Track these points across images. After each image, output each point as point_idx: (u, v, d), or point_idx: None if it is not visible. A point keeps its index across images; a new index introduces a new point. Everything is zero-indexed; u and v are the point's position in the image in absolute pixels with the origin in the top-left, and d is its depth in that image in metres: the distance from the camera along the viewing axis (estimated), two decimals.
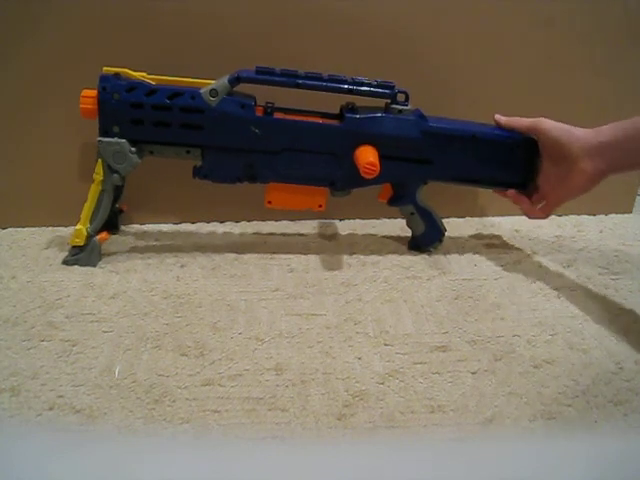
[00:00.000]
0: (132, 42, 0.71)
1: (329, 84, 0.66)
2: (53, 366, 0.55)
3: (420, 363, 0.58)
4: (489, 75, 0.79)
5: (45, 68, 0.72)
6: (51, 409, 0.51)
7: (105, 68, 0.66)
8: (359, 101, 0.69)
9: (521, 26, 0.76)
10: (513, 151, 0.71)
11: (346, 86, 0.66)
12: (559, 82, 0.80)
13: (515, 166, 0.72)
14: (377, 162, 0.66)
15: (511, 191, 0.72)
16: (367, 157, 0.66)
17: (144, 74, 0.66)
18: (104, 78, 0.65)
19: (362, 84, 0.67)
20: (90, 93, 0.66)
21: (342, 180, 0.71)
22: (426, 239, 0.77)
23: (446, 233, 0.77)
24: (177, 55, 0.72)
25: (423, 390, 0.54)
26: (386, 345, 0.60)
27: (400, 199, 0.74)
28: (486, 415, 0.52)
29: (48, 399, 0.52)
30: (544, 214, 0.71)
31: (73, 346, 0.58)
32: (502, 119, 0.71)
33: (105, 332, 0.60)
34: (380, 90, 0.68)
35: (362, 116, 0.68)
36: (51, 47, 0.71)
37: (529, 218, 0.73)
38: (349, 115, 0.68)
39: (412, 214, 0.75)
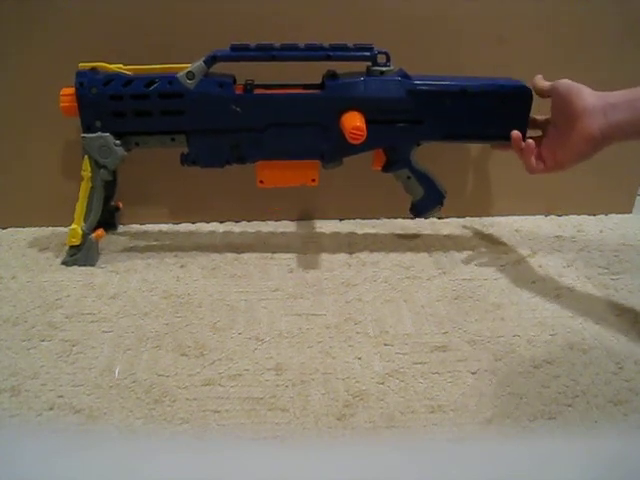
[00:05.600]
0: (131, 42, 0.71)
1: (305, 52, 0.65)
2: (53, 366, 0.55)
3: (420, 363, 0.58)
4: (489, 75, 0.79)
5: (43, 68, 0.72)
6: (51, 409, 0.51)
7: (81, 64, 0.65)
8: (341, 68, 0.67)
9: (523, 26, 0.76)
10: (505, 102, 0.68)
11: (323, 52, 0.65)
12: None
13: (509, 117, 0.69)
14: (363, 126, 0.64)
15: (516, 133, 0.67)
16: (353, 122, 0.65)
17: (120, 65, 0.66)
18: (80, 74, 0.65)
19: (340, 49, 0.65)
20: (68, 91, 0.65)
21: (331, 150, 0.69)
22: (426, 203, 0.74)
23: (445, 232, 0.77)
24: (177, 54, 0.72)
25: (423, 390, 0.54)
26: (386, 345, 0.60)
27: (394, 164, 0.72)
28: (486, 415, 0.52)
29: (48, 399, 0.52)
30: (544, 171, 0.67)
31: (73, 346, 0.58)
32: (539, 83, 0.67)
33: (105, 332, 0.60)
34: (359, 53, 0.66)
35: (343, 81, 0.67)
36: (50, 47, 0.71)
37: (529, 172, 0.68)
38: (329, 82, 0.67)
39: (408, 178, 0.73)
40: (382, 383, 0.55)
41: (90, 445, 0.45)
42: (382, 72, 0.67)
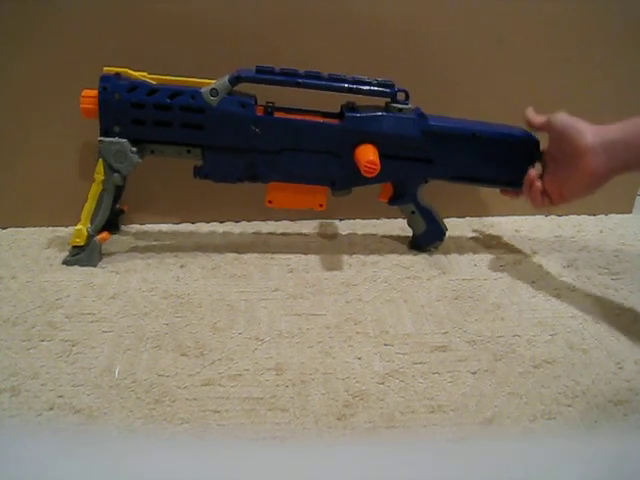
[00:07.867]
0: (132, 42, 0.71)
1: (329, 83, 0.67)
2: (53, 366, 0.55)
3: (420, 363, 0.58)
4: (490, 75, 0.79)
5: (45, 68, 0.72)
6: (51, 409, 0.51)
7: (105, 68, 0.66)
8: (359, 100, 0.69)
9: (522, 26, 0.76)
10: (514, 149, 0.71)
11: (346, 85, 0.67)
12: (559, 82, 0.80)
13: (516, 164, 0.71)
14: (377, 161, 0.66)
15: (534, 171, 0.68)
16: (367, 155, 0.66)
17: (145, 74, 0.66)
18: (105, 78, 0.65)
19: (362, 83, 0.67)
20: (91, 93, 0.66)
21: (343, 179, 0.71)
22: (427, 238, 0.77)
23: (446, 233, 0.77)
24: (178, 55, 0.72)
25: (423, 390, 0.54)
26: (386, 345, 0.60)
27: (400, 198, 0.74)
28: (486, 415, 0.52)
29: (48, 399, 0.52)
30: (550, 205, 0.68)
31: (73, 346, 0.58)
32: (532, 116, 0.68)
33: (105, 332, 0.60)
34: (380, 89, 0.68)
35: (362, 115, 0.68)
36: (51, 47, 0.71)
37: (536, 208, 0.70)
38: (349, 114, 0.68)
39: (413, 213, 0.75)
40: (382, 383, 0.55)
41: (90, 445, 0.45)
42: (400, 109, 0.69)
